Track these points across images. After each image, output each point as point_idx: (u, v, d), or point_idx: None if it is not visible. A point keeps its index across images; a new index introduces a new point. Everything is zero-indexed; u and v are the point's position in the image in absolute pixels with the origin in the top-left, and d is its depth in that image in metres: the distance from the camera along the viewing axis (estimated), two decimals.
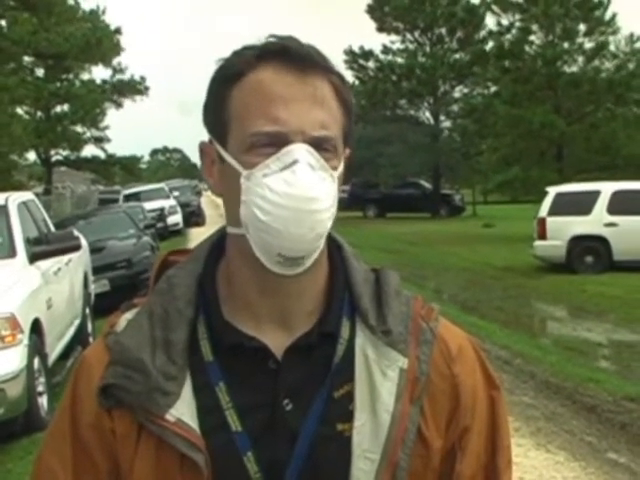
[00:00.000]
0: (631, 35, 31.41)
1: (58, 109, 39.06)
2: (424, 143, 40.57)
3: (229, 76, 1.17)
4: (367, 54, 42.93)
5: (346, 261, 1.26)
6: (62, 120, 38.55)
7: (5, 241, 8.04)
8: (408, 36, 42.37)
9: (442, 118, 42.77)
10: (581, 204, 16.99)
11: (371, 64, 43.08)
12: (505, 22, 32.21)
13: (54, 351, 8.10)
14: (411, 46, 42.53)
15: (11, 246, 7.96)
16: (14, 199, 8.78)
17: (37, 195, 12.45)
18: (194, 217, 32.33)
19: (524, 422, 6.91)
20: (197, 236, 21.46)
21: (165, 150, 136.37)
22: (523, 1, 30.71)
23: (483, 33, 39.58)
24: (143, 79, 42.79)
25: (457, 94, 42.44)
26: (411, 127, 41.74)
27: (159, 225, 23.87)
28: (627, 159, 28.30)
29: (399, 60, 42.22)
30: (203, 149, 1.24)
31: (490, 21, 36.92)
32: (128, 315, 1.23)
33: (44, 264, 8.16)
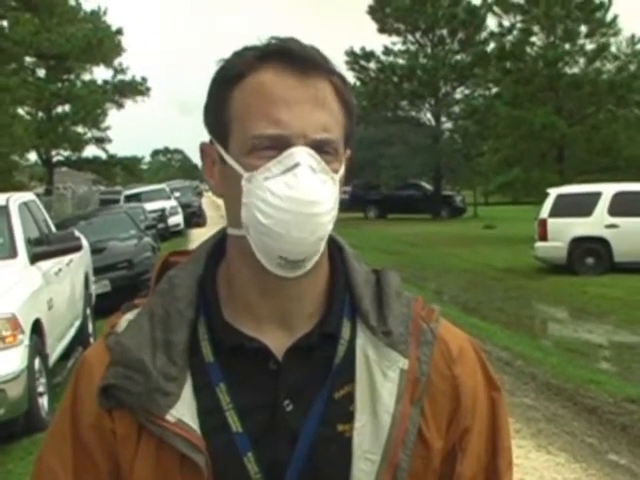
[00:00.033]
0: (632, 37, 31.44)
1: (59, 110, 39.13)
2: (425, 144, 40.60)
3: (230, 77, 1.17)
4: (368, 55, 42.95)
5: (347, 262, 1.26)
6: (63, 121, 38.60)
7: (6, 241, 8.04)
8: (409, 37, 42.42)
9: (443, 119, 42.81)
10: (582, 205, 16.99)
11: (372, 65, 43.11)
12: (506, 23, 32.25)
13: (55, 352, 8.10)
14: (412, 47, 42.57)
15: (12, 246, 7.96)
16: (15, 199, 8.78)
17: (38, 196, 12.45)
18: (195, 218, 32.36)
19: (525, 423, 6.90)
20: (198, 237, 21.46)
21: (166, 151, 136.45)
22: (524, 2, 30.72)
23: (484, 34, 39.63)
24: (144, 80, 42.87)
25: (458, 95, 42.49)
26: (412, 128, 41.76)
27: (160, 226, 23.89)
28: (628, 160, 28.30)
29: (400, 61, 42.25)
30: (204, 150, 1.23)
31: (491, 22, 36.98)
32: (129, 316, 1.23)
33: (45, 265, 8.16)
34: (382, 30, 42.15)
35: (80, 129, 40.25)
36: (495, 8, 33.19)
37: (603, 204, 16.93)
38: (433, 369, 1.22)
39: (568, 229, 16.91)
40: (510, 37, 31.54)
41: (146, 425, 1.15)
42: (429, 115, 43.02)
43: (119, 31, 39.43)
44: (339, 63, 1.20)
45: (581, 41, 30.31)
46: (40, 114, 38.62)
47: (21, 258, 7.86)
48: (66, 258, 9.01)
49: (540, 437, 6.61)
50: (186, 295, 1.21)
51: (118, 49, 39.71)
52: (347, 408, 1.18)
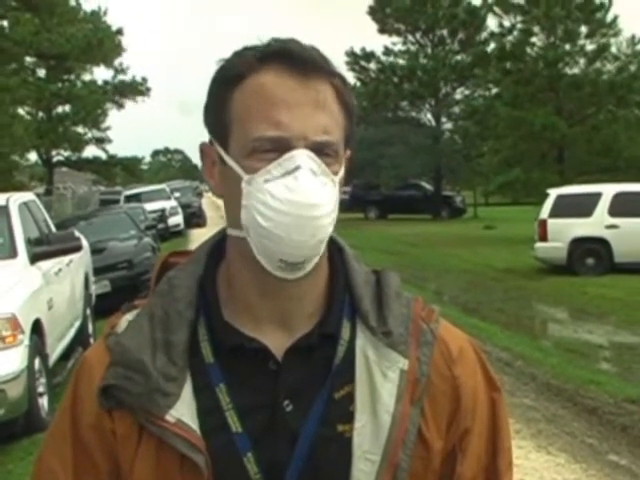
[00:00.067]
0: (633, 37, 31.43)
1: (59, 110, 39.15)
2: (425, 145, 40.61)
3: (230, 78, 1.16)
4: (368, 55, 42.95)
5: (347, 263, 1.26)
6: (63, 121, 38.61)
7: (6, 241, 8.04)
8: (409, 37, 42.42)
9: (443, 120, 42.82)
10: (582, 206, 16.99)
11: (372, 65, 43.11)
12: (507, 24, 32.24)
13: (55, 352, 8.10)
14: (412, 48, 42.58)
15: (12, 247, 7.96)
16: (15, 199, 8.78)
17: (38, 196, 12.45)
18: (195, 218, 32.37)
19: (525, 424, 6.90)
20: (198, 237, 21.47)
21: (166, 151, 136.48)
22: (525, 3, 30.72)
23: (484, 35, 39.64)
24: (144, 80, 42.87)
25: (458, 96, 42.50)
26: (412, 129, 41.77)
27: (160, 226, 23.90)
28: (628, 161, 28.31)
29: (400, 62, 42.25)
30: (204, 150, 1.23)
31: (491, 23, 36.99)
32: (129, 316, 1.23)
33: (45, 265, 8.16)
34: (382, 30, 42.17)
35: (80, 129, 40.28)
36: (495, 8, 33.20)
37: (603, 205, 16.94)
38: (433, 369, 1.22)
39: (568, 229, 16.91)
40: (510, 37, 31.56)
41: (146, 425, 1.15)
42: (429, 115, 43.07)
43: (119, 31, 39.45)
44: (339, 63, 1.20)
45: (581, 42, 30.33)
46: (40, 114, 38.64)
47: (21, 258, 7.86)
48: (66, 258, 9.01)
49: (540, 438, 6.61)
50: (186, 296, 1.21)
51: (118, 49, 39.72)
52: (347, 408, 1.18)
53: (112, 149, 42.82)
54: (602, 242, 16.85)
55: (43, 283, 7.84)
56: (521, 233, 22.26)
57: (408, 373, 1.19)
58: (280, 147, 1.12)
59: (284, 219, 1.10)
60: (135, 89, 42.48)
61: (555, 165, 29.30)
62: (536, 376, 8.46)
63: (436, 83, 41.01)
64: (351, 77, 41.20)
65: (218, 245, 1.27)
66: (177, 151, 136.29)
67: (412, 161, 39.39)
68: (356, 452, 1.16)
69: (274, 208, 1.11)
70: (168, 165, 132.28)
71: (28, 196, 9.97)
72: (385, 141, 40.20)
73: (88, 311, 10.38)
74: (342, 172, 1.18)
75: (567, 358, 9.70)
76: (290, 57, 1.14)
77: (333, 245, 1.24)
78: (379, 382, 1.18)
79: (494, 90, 35.17)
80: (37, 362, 7.01)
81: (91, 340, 9.97)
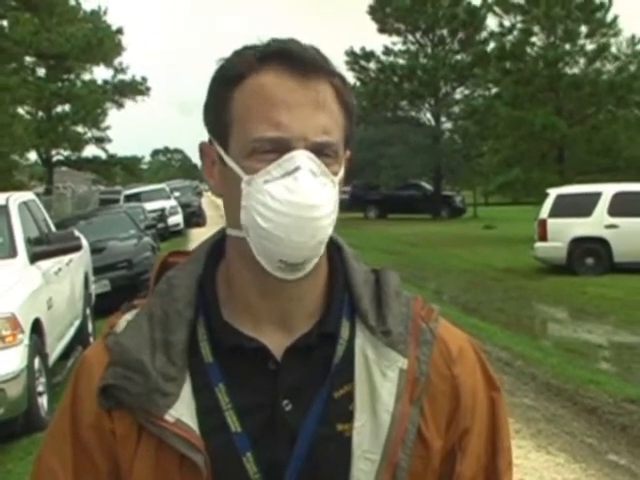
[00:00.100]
0: (632, 37, 31.38)
1: (59, 109, 39.15)
2: (425, 145, 40.60)
3: (230, 77, 1.16)
4: (368, 55, 42.94)
5: (346, 262, 1.25)
6: (63, 120, 38.60)
7: (6, 241, 8.04)
8: (409, 37, 42.41)
9: (443, 119, 42.83)
10: (582, 206, 16.99)
11: (372, 65, 43.11)
12: (507, 23, 32.21)
13: (54, 351, 8.10)
14: (412, 47, 42.57)
15: (12, 246, 7.96)
16: (15, 199, 8.78)
17: (38, 195, 12.45)
18: (195, 218, 32.37)
19: (525, 424, 6.90)
20: (198, 237, 21.46)
21: (166, 151, 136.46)
22: (524, 2, 30.70)
23: (484, 34, 39.63)
24: (144, 79, 42.87)
25: (458, 95, 42.51)
26: (412, 128, 41.77)
27: (160, 226, 23.90)
28: (628, 161, 28.31)
29: (400, 61, 42.24)
30: (203, 149, 1.23)
31: (491, 22, 36.98)
32: (128, 316, 1.23)
33: (45, 264, 8.16)
34: (382, 30, 42.15)
35: (80, 129, 40.27)
36: (495, 8, 33.17)
37: (603, 204, 16.93)
38: (432, 369, 1.22)
39: (568, 229, 16.91)
40: (510, 37, 31.51)
41: (145, 425, 1.15)
42: (429, 115, 43.06)
43: (119, 31, 39.46)
44: (339, 63, 1.20)
45: (581, 41, 30.30)
46: (40, 114, 38.63)
47: (21, 258, 7.86)
48: (66, 258, 9.01)
49: (540, 437, 6.61)
50: (185, 295, 1.21)
51: (118, 49, 39.72)
52: (346, 408, 1.18)
53: (112, 148, 42.85)
54: (602, 242, 16.85)
55: (43, 282, 7.84)
56: (521, 233, 22.26)
57: (407, 372, 1.19)
58: (280, 148, 1.12)
59: (284, 220, 1.10)
60: (135, 88, 42.48)
61: (555, 165, 29.29)
62: (536, 376, 8.46)
63: (436, 83, 41.01)
64: (351, 77, 41.24)
65: (217, 245, 1.27)
66: (177, 151, 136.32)
67: (412, 161, 39.37)
68: (356, 451, 1.16)
69: (274, 209, 1.11)
70: (168, 165, 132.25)
71: (28, 195, 9.97)
72: (385, 141, 40.19)
73: (88, 310, 10.38)
74: (342, 172, 1.18)
75: (567, 358, 9.70)
76: (290, 57, 1.14)
77: (332, 244, 1.24)
78: (378, 381, 1.18)
79: (494, 90, 35.14)
80: (37, 361, 7.01)
81: (91, 339, 9.97)
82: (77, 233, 9.85)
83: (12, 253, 7.88)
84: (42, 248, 8.26)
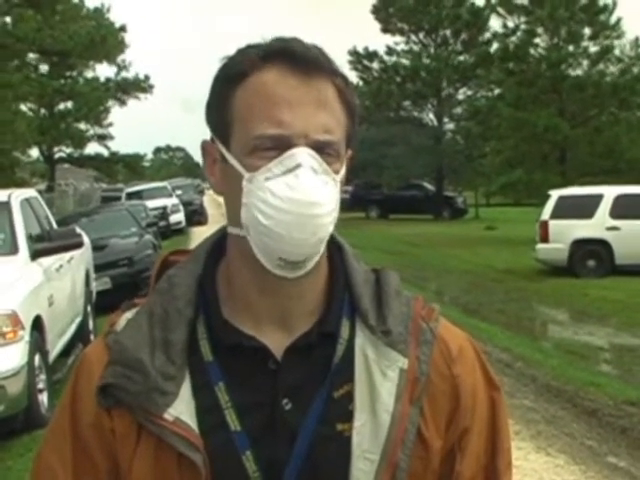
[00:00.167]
0: (636, 39, 31.50)
1: (62, 106, 39.22)
2: (427, 145, 40.60)
3: (233, 76, 1.16)
4: (371, 55, 42.95)
5: (346, 262, 1.25)
6: (66, 117, 38.65)
7: (7, 238, 8.04)
8: (413, 37, 42.40)
9: (446, 120, 42.79)
10: (584, 207, 16.99)
11: (375, 65, 43.11)
12: (510, 24, 32.20)
13: (55, 348, 8.10)
14: (415, 47, 42.56)
15: (13, 243, 7.96)
16: (17, 196, 8.78)
17: (40, 192, 12.47)
18: (196, 216, 32.40)
19: (524, 425, 6.90)
20: (199, 235, 21.47)
21: (168, 148, 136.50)
22: (528, 3, 30.69)
23: (487, 35, 39.61)
24: (147, 77, 42.89)
25: (461, 96, 42.50)
26: (415, 129, 41.77)
27: (161, 223, 23.94)
28: (630, 163, 28.32)
29: (403, 61, 42.23)
30: (205, 147, 1.23)
31: (495, 23, 37.07)
32: (128, 314, 1.23)
33: (46, 261, 8.17)
34: (385, 30, 42.16)
35: (82, 126, 40.32)
36: (499, 9, 33.17)
37: (605, 206, 16.93)
38: (432, 368, 1.22)
39: (569, 231, 16.90)
40: (513, 38, 31.50)
41: (145, 424, 1.15)
42: (431, 116, 43.05)
43: (122, 28, 39.49)
44: (342, 63, 1.20)
45: (585, 43, 30.30)
46: (42, 111, 38.68)
47: (22, 254, 7.86)
48: (67, 255, 9.01)
49: (540, 439, 6.61)
50: (185, 294, 1.21)
51: (121, 46, 39.77)
52: (346, 407, 1.18)
53: (114, 146, 42.91)
54: (603, 244, 16.85)
55: (44, 279, 7.84)
56: (522, 234, 22.25)
57: (407, 372, 1.19)
58: (281, 145, 1.12)
59: (285, 217, 1.10)
60: (138, 86, 42.53)
61: (557, 166, 29.27)
62: (536, 377, 8.46)
63: (439, 83, 41.01)
64: (354, 76, 41.26)
65: (218, 243, 1.27)
66: (179, 149, 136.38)
67: (414, 161, 39.38)
68: (355, 451, 1.16)
69: (275, 206, 1.11)
70: (170, 162, 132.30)
71: (30, 192, 9.98)
72: (387, 141, 40.20)
73: (89, 308, 10.39)
74: (343, 171, 1.18)
75: (567, 360, 9.70)
76: (293, 56, 1.14)
77: (333, 243, 1.24)
78: (378, 381, 1.18)
79: (497, 91, 35.14)
80: (37, 358, 7.01)
81: (91, 337, 9.98)
82: (79, 230, 9.86)
83: (13, 250, 7.88)
84: (43, 245, 8.27)
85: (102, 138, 41.43)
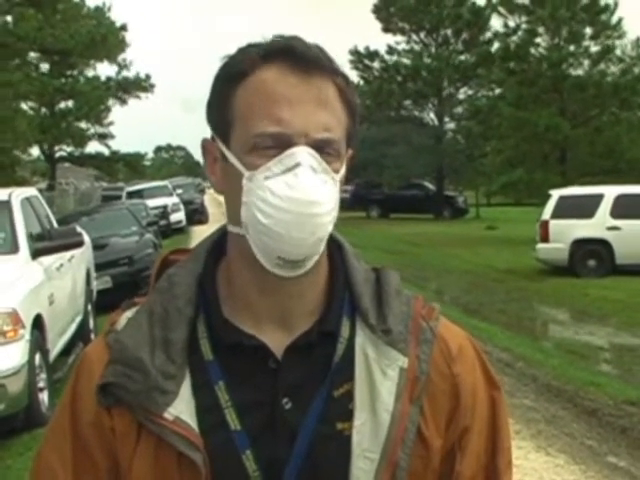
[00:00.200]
0: (637, 39, 31.50)
1: (62, 105, 39.23)
2: (428, 144, 40.58)
3: (233, 75, 1.16)
4: (372, 54, 42.94)
5: (346, 261, 1.25)
6: (66, 116, 38.65)
7: (8, 237, 8.04)
8: (414, 37, 42.40)
9: (446, 120, 42.78)
10: (584, 207, 16.99)
11: (376, 64, 43.10)
12: (511, 24, 32.18)
13: (55, 347, 8.10)
14: (416, 47, 42.55)
15: (14, 242, 7.96)
16: (17, 195, 8.78)
17: (40, 191, 12.46)
18: (197, 215, 32.41)
19: (525, 425, 6.90)
20: (200, 234, 21.46)
21: (169, 147, 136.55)
22: (529, 3, 30.68)
23: (488, 35, 39.60)
24: (148, 76, 42.89)
25: (462, 96, 42.48)
26: (415, 128, 41.74)
27: (162, 222, 23.94)
28: (631, 163, 28.31)
29: (404, 61, 42.23)
30: (205, 146, 1.23)
31: (496, 23, 36.97)
32: (128, 313, 1.23)
33: (47, 260, 8.17)
34: (386, 29, 42.15)
35: (83, 125, 40.35)
36: (500, 8, 33.15)
37: (605, 206, 16.93)
38: (433, 367, 1.22)
39: (570, 231, 16.90)
40: (514, 38, 31.49)
41: (145, 423, 1.15)
42: (432, 115, 43.05)
43: (123, 27, 39.51)
44: (343, 62, 1.20)
45: (586, 43, 30.29)
46: (43, 109, 38.69)
47: (23, 253, 7.86)
48: (68, 254, 9.01)
49: (540, 438, 6.61)
50: (185, 293, 1.21)
51: (122, 45, 39.78)
52: (346, 406, 1.18)
53: (115, 145, 42.96)
54: (604, 244, 16.84)
55: (44, 278, 7.84)
56: (523, 234, 22.24)
57: (408, 371, 1.19)
58: (281, 144, 1.12)
59: (284, 216, 1.10)
60: (139, 85, 42.53)
61: (558, 166, 29.27)
62: (536, 377, 8.46)
63: (439, 83, 41.00)
64: (355, 76, 41.26)
65: (218, 242, 1.27)
66: (180, 148, 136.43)
67: (415, 161, 39.35)
68: (355, 450, 1.16)
69: (274, 205, 1.11)
70: (170, 162, 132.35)
71: (30, 191, 9.97)
72: (388, 140, 40.17)
73: (89, 307, 10.39)
74: (343, 171, 1.18)
75: (568, 359, 9.70)
76: (293, 54, 1.13)
77: (333, 243, 1.24)
78: (378, 380, 1.18)
79: (497, 90, 35.14)
80: (38, 357, 7.01)
81: (92, 336, 9.98)
82: (79, 229, 9.86)
83: (14, 249, 7.88)
84: (44, 244, 8.27)
85: (103, 137, 41.46)
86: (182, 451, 1.13)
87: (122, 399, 1.16)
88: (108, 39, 34.14)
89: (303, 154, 1.11)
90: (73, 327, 9.23)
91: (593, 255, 17.02)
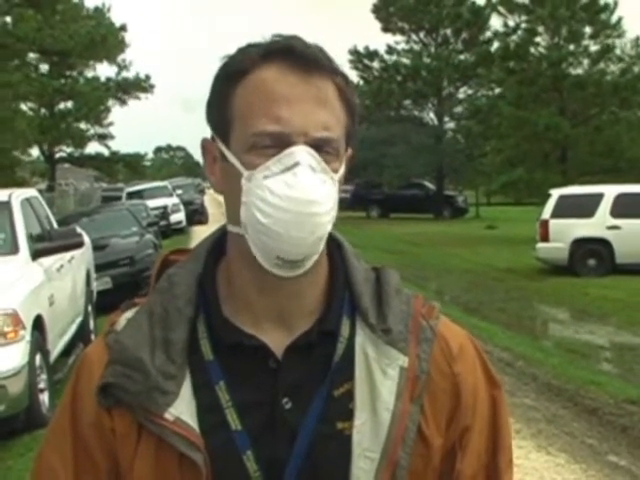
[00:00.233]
0: (637, 38, 31.48)
1: (62, 106, 39.20)
2: (428, 144, 40.57)
3: (233, 74, 1.16)
4: (372, 54, 42.95)
5: (346, 260, 1.25)
6: (66, 117, 38.64)
7: (8, 237, 8.04)
8: (413, 37, 42.40)
9: (446, 119, 42.78)
10: (584, 207, 16.98)
11: (376, 64, 43.11)
12: (511, 23, 32.19)
13: (56, 348, 8.10)
14: (416, 47, 42.56)
15: (14, 242, 7.96)
16: (17, 195, 8.78)
17: (40, 192, 12.47)
18: (197, 215, 32.42)
19: (525, 424, 6.90)
20: (200, 234, 21.45)
21: (169, 148, 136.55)
22: (529, 2, 30.68)
23: (488, 34, 39.61)
24: (148, 77, 42.87)
25: (461, 95, 42.48)
26: (415, 128, 41.73)
27: (162, 223, 23.94)
28: (630, 162, 28.31)
29: (404, 60, 42.23)
30: (205, 146, 1.23)
31: (496, 22, 36.99)
32: (128, 314, 1.23)
33: (47, 261, 8.17)
34: (386, 29, 42.15)
35: (83, 125, 40.30)
36: (499, 8, 33.15)
37: (605, 205, 16.92)
38: (433, 367, 1.21)
39: (570, 230, 16.90)
40: (514, 37, 31.49)
41: (145, 424, 1.15)
42: (432, 115, 43.05)
43: (123, 28, 39.47)
44: (342, 62, 1.20)
45: (585, 42, 30.30)
46: (43, 110, 38.67)
47: (23, 254, 7.86)
48: (68, 254, 9.01)
49: (540, 438, 6.61)
50: (185, 293, 1.21)
51: (121, 46, 39.75)
52: (347, 406, 1.17)
53: (114, 145, 42.92)
54: (604, 243, 16.84)
55: (45, 279, 7.84)
56: (523, 233, 22.24)
57: (408, 370, 1.19)
58: (280, 143, 1.12)
59: (283, 216, 1.10)
60: (139, 86, 42.50)
61: (558, 165, 29.26)
62: (537, 376, 8.46)
63: (439, 82, 41.00)
64: (354, 75, 41.25)
65: (218, 242, 1.26)
66: (179, 148, 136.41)
67: (414, 160, 39.34)
68: (355, 450, 1.16)
69: (273, 204, 1.10)
70: (170, 162, 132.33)
71: (30, 192, 9.97)
72: (388, 140, 40.15)
73: (89, 307, 10.38)
74: (342, 170, 1.18)
75: (568, 359, 9.69)
76: (292, 54, 1.14)
77: (332, 242, 1.24)
78: (379, 379, 1.18)
79: (497, 90, 35.13)
80: (38, 358, 7.01)
81: (92, 336, 9.98)
82: (79, 230, 9.86)
83: (14, 249, 7.88)
84: (44, 245, 8.26)
85: (102, 138, 41.43)
86: (183, 451, 1.13)
87: (122, 400, 1.16)
88: (108, 39, 34.11)
89: (302, 153, 1.11)
90: (73, 328, 9.23)
91: (593, 254, 17.02)
